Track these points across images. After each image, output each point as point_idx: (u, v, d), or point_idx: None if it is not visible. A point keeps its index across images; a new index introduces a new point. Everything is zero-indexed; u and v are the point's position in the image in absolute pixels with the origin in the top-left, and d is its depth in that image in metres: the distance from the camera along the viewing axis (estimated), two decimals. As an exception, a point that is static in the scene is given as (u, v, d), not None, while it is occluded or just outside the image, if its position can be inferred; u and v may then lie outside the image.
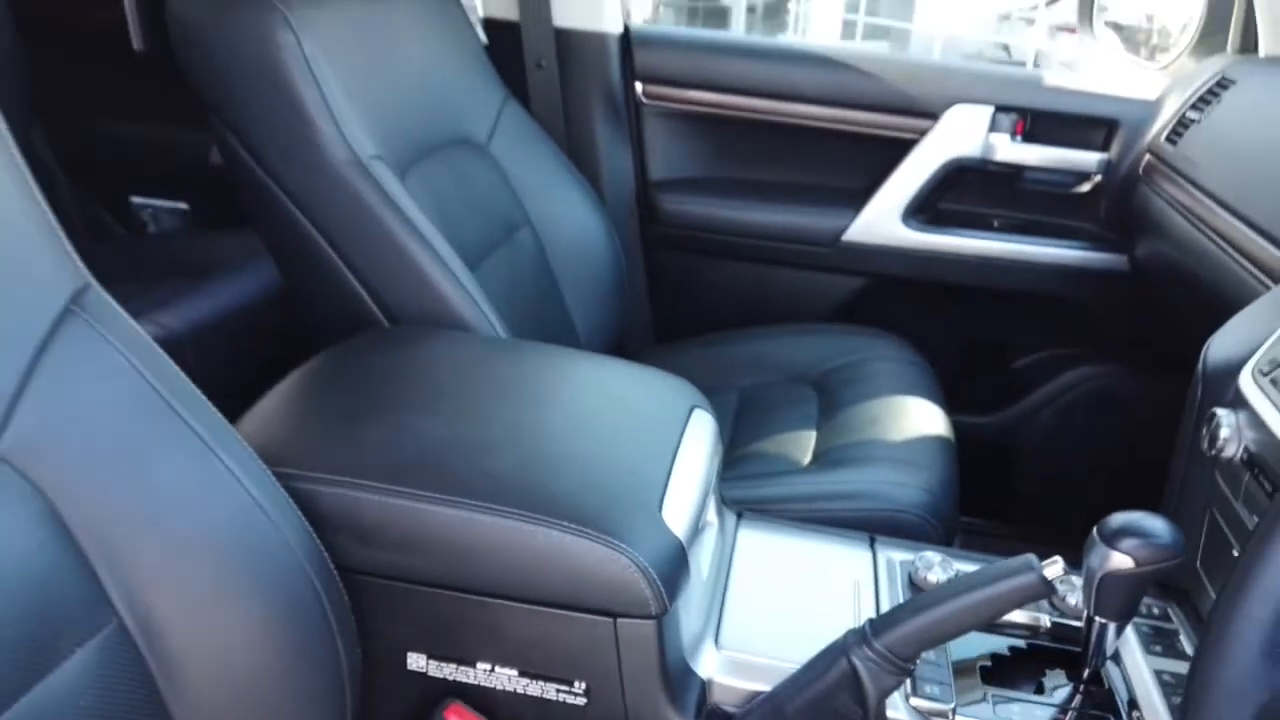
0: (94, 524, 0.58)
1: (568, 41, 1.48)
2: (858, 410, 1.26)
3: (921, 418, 1.24)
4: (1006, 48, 10.20)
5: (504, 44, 1.48)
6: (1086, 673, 0.80)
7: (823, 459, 1.18)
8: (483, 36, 1.46)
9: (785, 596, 0.86)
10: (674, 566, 0.73)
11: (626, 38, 1.52)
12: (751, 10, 11.63)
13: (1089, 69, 1.62)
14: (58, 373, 0.58)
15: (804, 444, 1.22)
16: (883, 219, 1.50)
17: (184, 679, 0.62)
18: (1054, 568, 0.68)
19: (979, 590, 0.68)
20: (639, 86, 1.55)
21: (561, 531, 0.71)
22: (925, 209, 1.52)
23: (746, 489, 1.08)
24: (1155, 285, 1.38)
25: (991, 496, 1.55)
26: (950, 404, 1.32)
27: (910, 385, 1.32)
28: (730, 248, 1.57)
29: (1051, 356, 1.58)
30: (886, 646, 0.70)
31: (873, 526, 0.99)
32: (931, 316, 1.56)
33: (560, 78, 1.49)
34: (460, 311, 1.05)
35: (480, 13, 1.52)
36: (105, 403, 0.60)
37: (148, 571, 0.60)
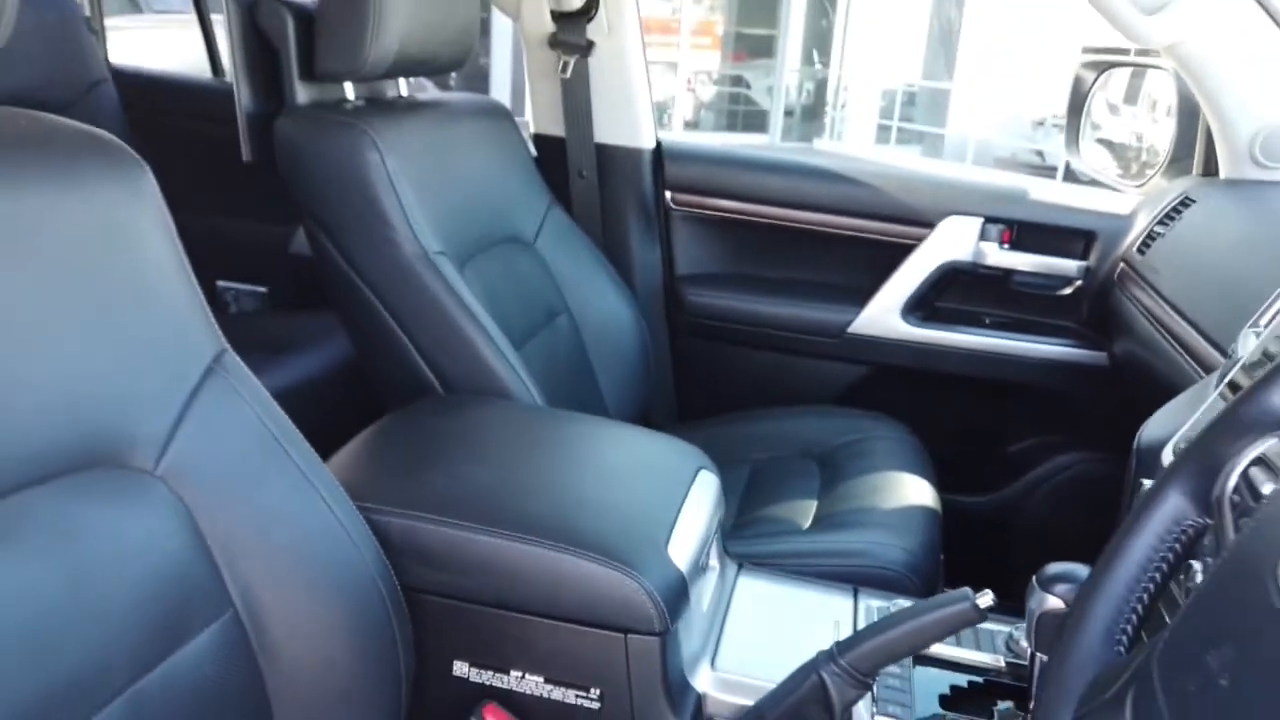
0: (220, 534, 0.75)
1: (607, 155, 1.70)
2: (855, 483, 1.41)
3: (911, 491, 1.38)
4: (1040, 153, 10.48)
5: (551, 156, 1.70)
6: (1032, 704, 0.93)
7: (821, 523, 1.32)
8: (533, 150, 1.68)
9: (774, 631, 1.01)
10: (676, 592, 0.88)
11: (658, 152, 1.73)
12: (789, 114, 12.09)
13: (1100, 178, 1.79)
14: (202, 415, 0.76)
15: (806, 510, 1.37)
16: (884, 314, 1.67)
17: (278, 662, 0.77)
18: (985, 599, 0.82)
19: (925, 615, 0.83)
20: (668, 194, 1.75)
21: (584, 559, 0.87)
22: (923, 306, 1.68)
23: (750, 546, 1.23)
24: (1130, 380, 1.53)
25: (987, 570, 1.67)
26: (948, 484, 1.46)
27: (904, 463, 1.47)
28: (748, 336, 1.75)
29: (1042, 443, 1.72)
30: (849, 663, 0.84)
31: (858, 580, 1.13)
32: (928, 403, 1.71)
33: (599, 186, 1.71)
34: (506, 384, 1.23)
35: (531, 129, 1.75)
36: (235, 441, 0.78)
37: (258, 574, 0.77)
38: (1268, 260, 1.16)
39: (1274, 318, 0.98)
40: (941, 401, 1.71)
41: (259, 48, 1.30)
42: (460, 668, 0.92)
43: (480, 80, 8.64)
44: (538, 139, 1.74)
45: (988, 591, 0.82)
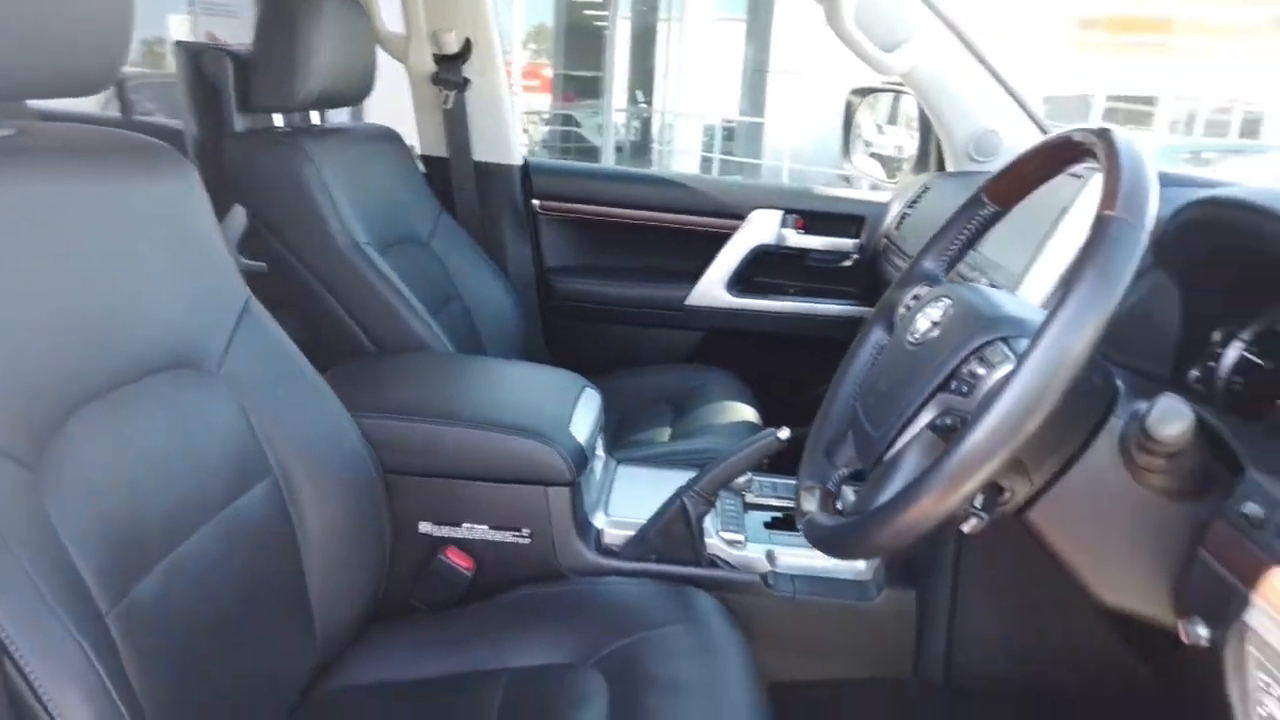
0: (262, 422, 1.05)
1: (484, 171, 2.07)
2: (699, 412, 1.83)
3: (741, 415, 1.81)
4: (848, 178, 11.52)
5: (438, 173, 2.05)
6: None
7: (675, 439, 1.73)
8: (421, 168, 2.02)
9: (645, 492, 1.39)
10: (579, 455, 1.26)
11: (526, 168, 2.12)
12: (619, 150, 12.72)
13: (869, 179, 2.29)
14: (245, 338, 1.07)
15: (663, 433, 1.77)
16: (713, 288, 2.11)
17: (303, 515, 1.08)
18: (784, 432, 1.24)
19: (746, 448, 1.23)
20: (536, 202, 2.14)
21: (513, 435, 1.23)
22: (742, 281, 2.13)
23: (623, 452, 1.62)
24: None
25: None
26: (768, 420, 1.89)
27: (734, 399, 1.89)
28: (606, 314, 2.15)
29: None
30: (699, 489, 1.24)
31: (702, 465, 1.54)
32: (751, 357, 2.15)
33: (479, 196, 2.07)
34: (426, 340, 1.57)
35: (419, 150, 2.09)
36: (269, 359, 1.09)
37: (288, 453, 1.07)
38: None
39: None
40: (761, 355, 2.15)
41: (200, 87, 1.60)
42: (425, 526, 1.26)
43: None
44: (425, 159, 2.08)
45: (785, 428, 1.24)
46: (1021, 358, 0.67)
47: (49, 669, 0.68)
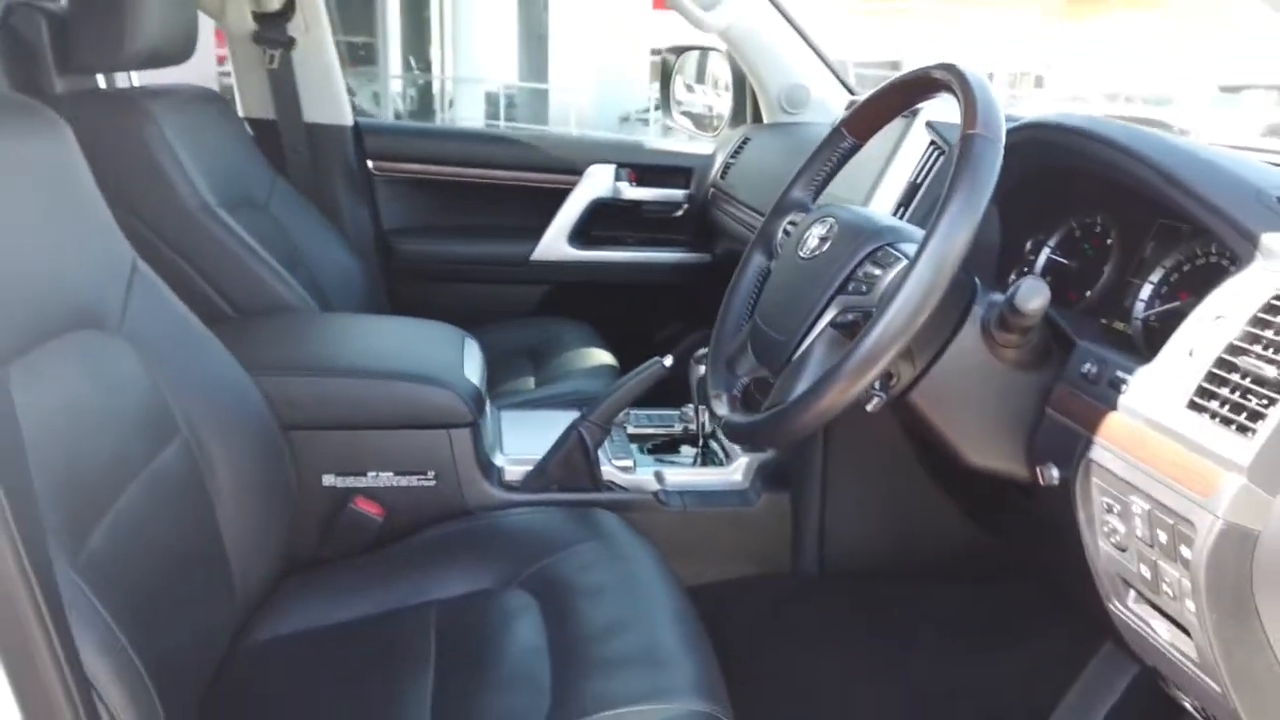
0: (166, 382, 1.04)
1: (316, 132, 2.03)
2: (558, 361, 1.91)
3: (598, 360, 1.90)
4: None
5: (266, 135, 1.99)
6: (700, 442, 1.49)
7: (540, 386, 1.80)
8: (250, 130, 1.96)
9: (532, 430, 1.46)
10: (476, 397, 1.31)
11: (357, 128, 2.09)
12: (398, 118, 12.36)
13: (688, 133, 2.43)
14: (139, 297, 1.05)
15: (528, 382, 1.84)
16: (556, 242, 2.18)
17: (213, 472, 1.07)
18: (667, 360, 1.35)
19: (634, 377, 1.33)
20: (370, 163, 2.12)
21: (413, 382, 1.27)
22: (583, 234, 2.22)
23: (500, 401, 1.67)
24: (727, 269, 2.17)
25: None
26: (622, 366, 2.00)
27: (589, 345, 1.99)
28: (451, 273, 2.17)
29: (677, 328, 2.33)
30: (593, 419, 1.33)
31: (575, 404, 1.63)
32: (598, 306, 2.24)
33: (312, 158, 2.03)
34: (290, 302, 1.55)
35: (241, 113, 2.02)
36: (165, 318, 1.08)
37: (194, 412, 1.06)
38: (794, 163, 1.82)
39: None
40: (605, 304, 2.25)
41: (12, 46, 1.49)
42: (329, 479, 1.27)
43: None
44: (251, 122, 2.01)
45: (669, 356, 1.35)
46: (915, 256, 0.81)
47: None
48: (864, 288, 0.90)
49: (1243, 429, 0.70)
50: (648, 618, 1.06)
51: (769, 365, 1.01)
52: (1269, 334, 0.72)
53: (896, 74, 1.05)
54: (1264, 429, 0.68)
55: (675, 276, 2.26)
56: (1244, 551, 0.70)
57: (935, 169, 1.27)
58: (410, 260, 2.16)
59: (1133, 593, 0.86)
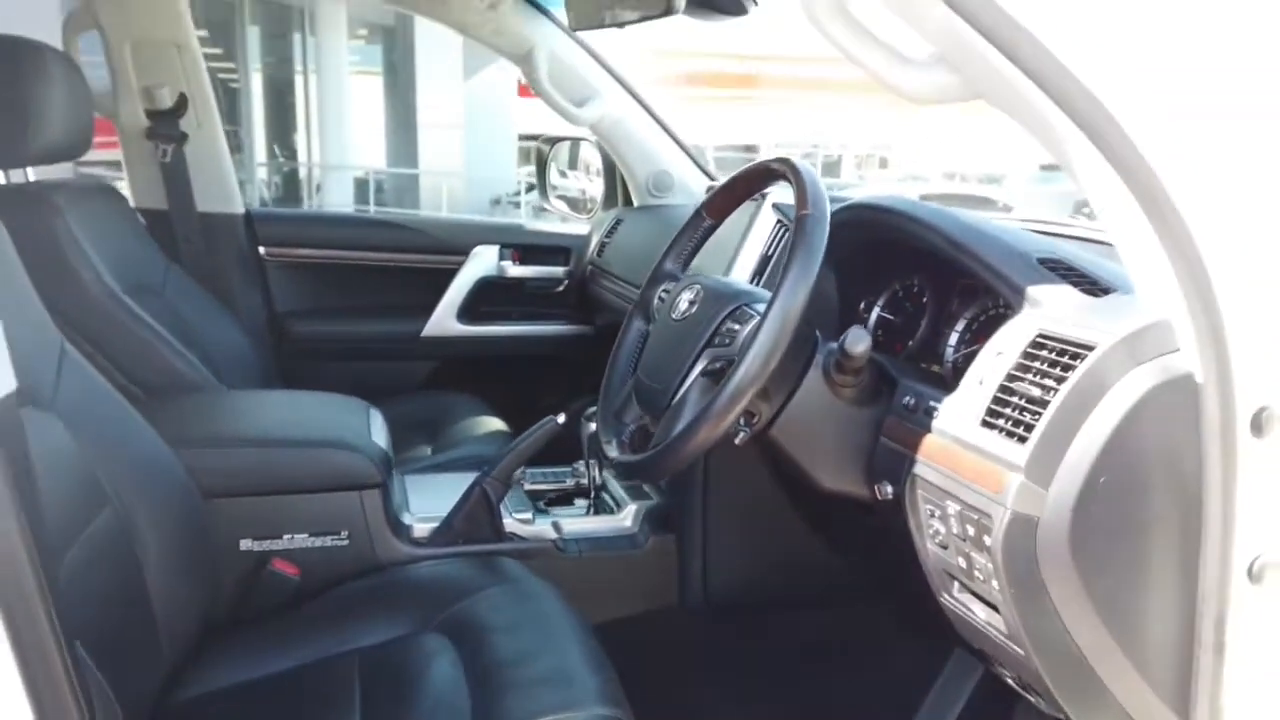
0: (98, 454, 1.11)
1: (209, 221, 2.12)
2: (453, 431, 2.02)
3: (490, 427, 2.03)
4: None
5: (158, 224, 2.06)
6: (592, 493, 1.63)
7: (436, 453, 1.91)
8: (142, 220, 2.03)
9: (436, 491, 1.57)
10: (385, 459, 1.42)
11: (249, 216, 2.19)
12: (264, 205, 12.21)
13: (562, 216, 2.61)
14: (70, 373, 1.13)
15: (425, 450, 1.95)
16: (445, 319, 2.31)
17: (140, 537, 1.15)
18: (561, 418, 1.49)
19: (530, 436, 1.47)
20: (262, 249, 2.21)
21: (323, 448, 1.37)
22: (471, 310, 2.36)
23: (402, 468, 1.77)
24: (607, 339, 2.34)
25: None
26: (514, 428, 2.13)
27: (480, 414, 2.11)
28: (344, 351, 2.27)
29: (562, 396, 2.47)
30: (495, 475, 1.46)
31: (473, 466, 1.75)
32: (487, 378, 2.37)
33: (206, 246, 2.11)
34: (191, 378, 1.63)
35: (133, 203, 2.09)
36: (93, 397, 1.16)
37: (121, 483, 1.13)
38: (662, 241, 2.02)
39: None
40: (494, 376, 2.39)
41: None
42: (246, 543, 1.35)
43: None
44: (143, 212, 2.08)
45: (562, 414, 1.50)
46: (764, 313, 0.99)
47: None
48: (727, 340, 1.08)
49: (1020, 438, 0.90)
50: (555, 646, 1.19)
51: (651, 412, 1.17)
52: (1036, 364, 0.93)
53: (753, 157, 1.26)
54: (1034, 436, 0.88)
55: (558, 348, 2.41)
56: (1028, 535, 0.89)
57: (783, 243, 1.48)
58: (303, 340, 2.25)
59: (956, 583, 1.05)
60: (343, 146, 11.54)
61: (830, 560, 1.53)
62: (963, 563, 0.99)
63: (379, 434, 1.49)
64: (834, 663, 1.59)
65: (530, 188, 14.11)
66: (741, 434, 1.08)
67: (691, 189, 2.33)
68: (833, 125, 19.37)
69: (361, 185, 11.83)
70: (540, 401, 2.44)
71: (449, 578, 1.36)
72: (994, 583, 0.94)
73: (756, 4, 1.50)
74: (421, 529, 1.48)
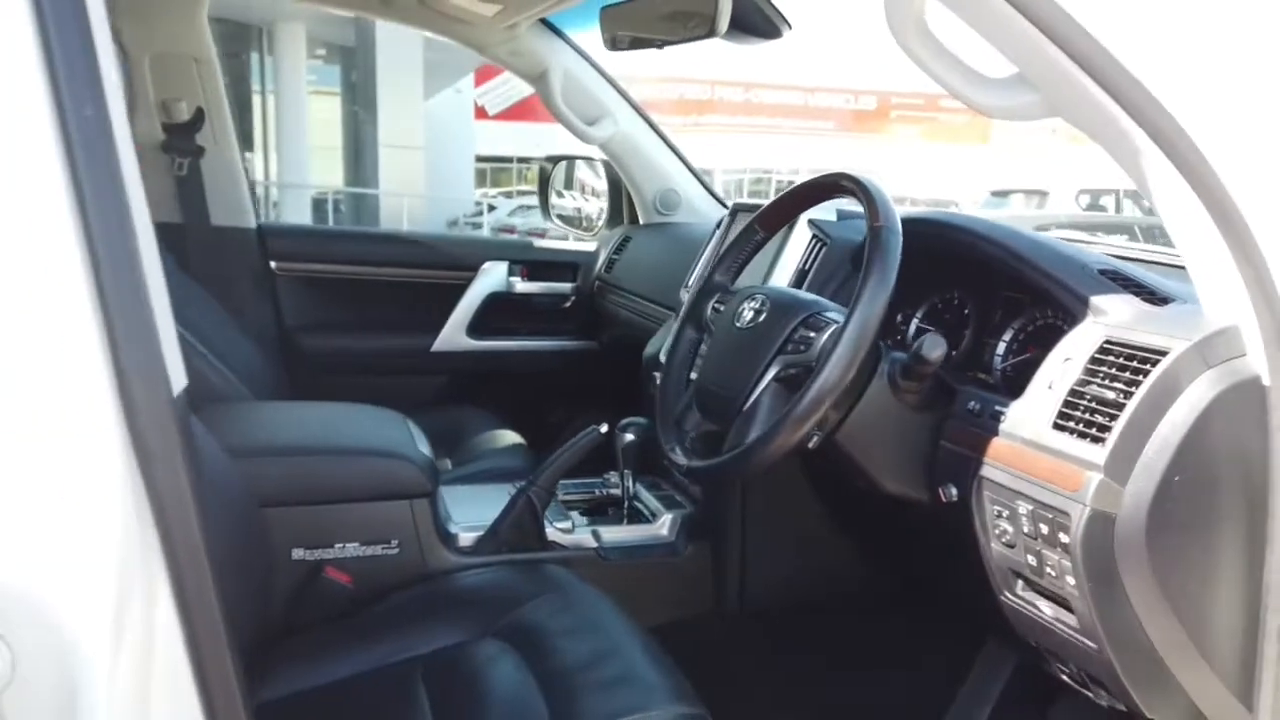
0: None
1: (222, 235, 2.10)
2: (472, 445, 2.03)
3: (508, 440, 2.04)
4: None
5: (169, 238, 2.05)
6: (626, 503, 1.66)
7: (457, 466, 1.92)
8: (156, 234, 2.00)
9: (474, 501, 1.58)
10: (432, 468, 1.43)
11: (261, 230, 2.18)
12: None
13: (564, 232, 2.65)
14: None
15: (445, 464, 1.95)
16: (455, 334, 2.32)
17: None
18: (603, 427, 1.51)
19: (574, 446, 1.49)
20: (273, 263, 2.20)
21: (374, 457, 1.38)
22: (480, 325, 2.37)
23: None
24: (611, 355, 2.38)
25: None
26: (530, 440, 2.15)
27: (496, 428, 2.12)
28: (354, 365, 2.26)
29: (569, 410, 2.49)
30: (540, 483, 1.47)
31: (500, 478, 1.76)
32: (493, 392, 2.38)
33: (219, 259, 2.10)
34: (225, 390, 1.62)
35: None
36: None
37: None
38: (674, 258, 2.07)
39: (692, 277, 1.85)
40: (503, 390, 2.40)
41: None
42: (298, 553, 1.35)
43: None
44: (156, 225, 2.06)
45: (605, 424, 1.52)
46: (845, 321, 1.03)
47: None
48: (801, 347, 1.11)
49: (1095, 439, 0.95)
50: (619, 649, 1.20)
51: (717, 418, 1.20)
52: (1104, 369, 0.99)
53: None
54: (1111, 436, 0.93)
55: (565, 362, 2.44)
56: (1106, 531, 0.94)
57: (819, 257, 1.53)
58: (314, 354, 2.24)
59: (1020, 581, 1.10)
60: (300, 166, 11.45)
61: (861, 565, 1.57)
62: (1032, 560, 1.04)
63: (423, 443, 1.50)
64: (864, 663, 1.62)
65: (491, 208, 14.16)
66: (815, 438, 1.11)
67: (697, 207, 2.38)
68: (782, 151, 19.71)
69: (320, 205, 11.74)
70: (545, 417, 2.47)
71: (500, 585, 1.37)
72: (1068, 579, 0.99)
73: (790, 27, 1.55)
74: (467, 537, 1.48)
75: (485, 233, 11.04)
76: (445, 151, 13.24)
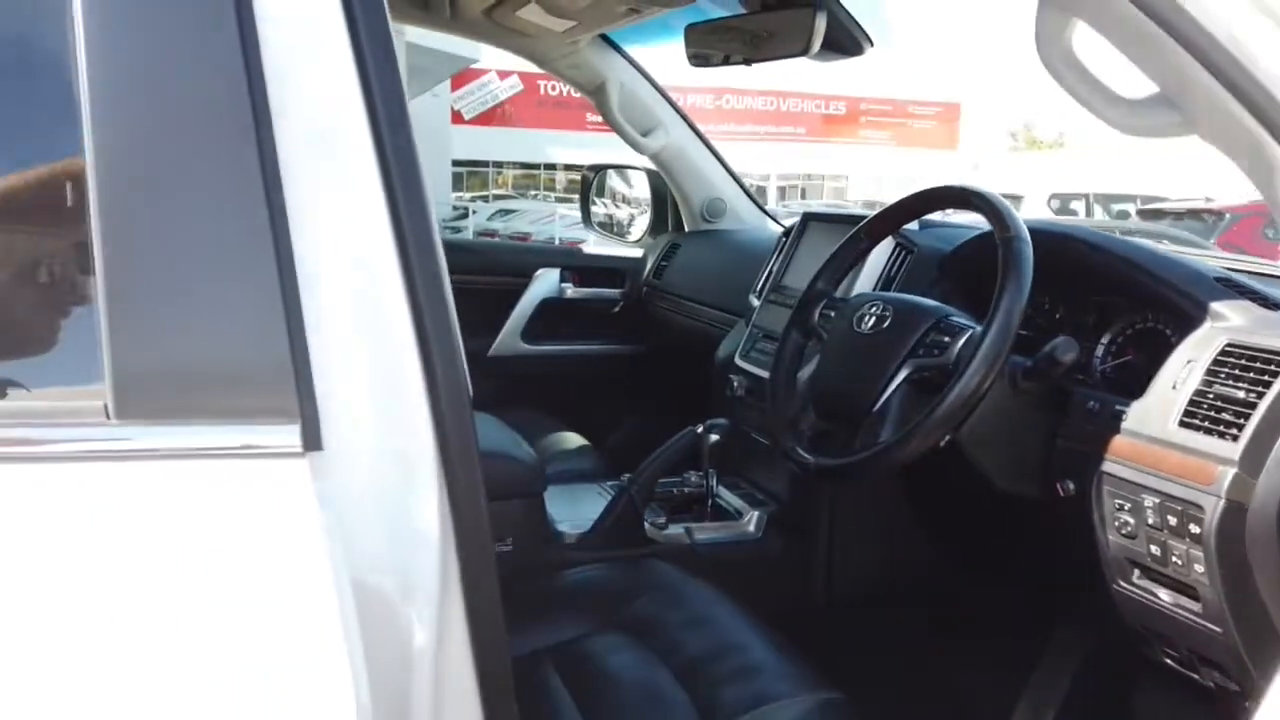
0: None
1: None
2: (541, 446, 2.07)
3: (574, 442, 2.09)
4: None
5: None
6: (710, 501, 1.71)
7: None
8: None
9: (564, 500, 1.63)
10: (541, 469, 1.47)
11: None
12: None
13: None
14: None
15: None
16: (510, 339, 2.37)
17: None
18: (699, 428, 1.56)
19: (673, 444, 1.54)
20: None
21: (494, 459, 1.42)
22: (533, 330, 2.41)
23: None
24: (659, 359, 2.43)
25: None
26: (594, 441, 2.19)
27: (554, 430, 2.16)
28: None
29: (620, 411, 2.53)
30: (640, 484, 1.52)
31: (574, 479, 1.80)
32: (547, 396, 2.42)
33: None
34: None
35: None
36: None
37: None
38: (731, 265, 2.12)
39: (762, 283, 1.90)
40: (559, 393, 2.44)
41: None
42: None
43: None
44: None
45: (700, 425, 1.57)
46: (986, 326, 1.10)
47: None
48: (935, 351, 1.17)
49: (1222, 435, 1.02)
50: (745, 639, 1.25)
51: (840, 419, 1.26)
52: (1225, 370, 1.06)
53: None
54: (1246, 432, 1.01)
55: (614, 366, 2.48)
56: (1239, 521, 1.01)
57: (906, 265, 1.59)
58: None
59: (1137, 570, 1.16)
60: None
61: (945, 557, 1.64)
62: (1155, 550, 1.11)
63: (525, 445, 1.54)
64: (946, 648, 1.67)
65: (468, 213, 14.13)
66: (948, 438, 1.17)
67: (741, 215, 2.44)
68: (753, 157, 19.88)
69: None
70: (600, 416, 2.51)
71: (610, 580, 1.41)
72: (1196, 567, 1.06)
73: (872, 44, 1.62)
74: (571, 534, 1.53)
75: (469, 236, 11.04)
76: (423, 155, 13.16)
